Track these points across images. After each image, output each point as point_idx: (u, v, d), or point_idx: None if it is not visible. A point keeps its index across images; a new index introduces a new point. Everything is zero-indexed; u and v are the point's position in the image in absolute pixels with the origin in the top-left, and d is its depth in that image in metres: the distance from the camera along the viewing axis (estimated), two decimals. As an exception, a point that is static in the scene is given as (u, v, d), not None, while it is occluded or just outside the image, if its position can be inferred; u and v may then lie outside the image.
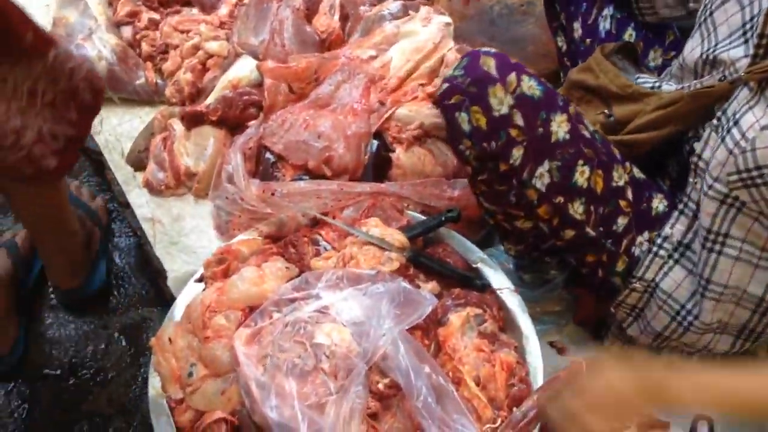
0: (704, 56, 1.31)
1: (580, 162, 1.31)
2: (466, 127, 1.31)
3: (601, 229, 1.33)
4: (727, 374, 0.97)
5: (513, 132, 1.28)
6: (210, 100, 1.83)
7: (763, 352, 1.45)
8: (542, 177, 1.30)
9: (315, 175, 1.72)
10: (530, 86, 1.28)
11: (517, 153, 1.29)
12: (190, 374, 1.38)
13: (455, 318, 1.49)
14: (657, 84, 1.47)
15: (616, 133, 1.45)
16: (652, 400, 0.97)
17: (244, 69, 1.84)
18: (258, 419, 1.27)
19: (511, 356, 1.44)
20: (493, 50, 1.31)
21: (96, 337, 1.69)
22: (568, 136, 1.29)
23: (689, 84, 1.39)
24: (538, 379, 1.39)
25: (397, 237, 1.56)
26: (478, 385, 1.39)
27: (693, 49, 1.35)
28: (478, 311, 1.49)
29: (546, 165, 1.30)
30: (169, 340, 1.44)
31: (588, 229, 1.34)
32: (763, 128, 1.14)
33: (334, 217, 1.66)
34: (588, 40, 1.70)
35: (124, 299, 1.77)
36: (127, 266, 1.83)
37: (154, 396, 1.38)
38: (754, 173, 1.14)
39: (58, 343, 1.68)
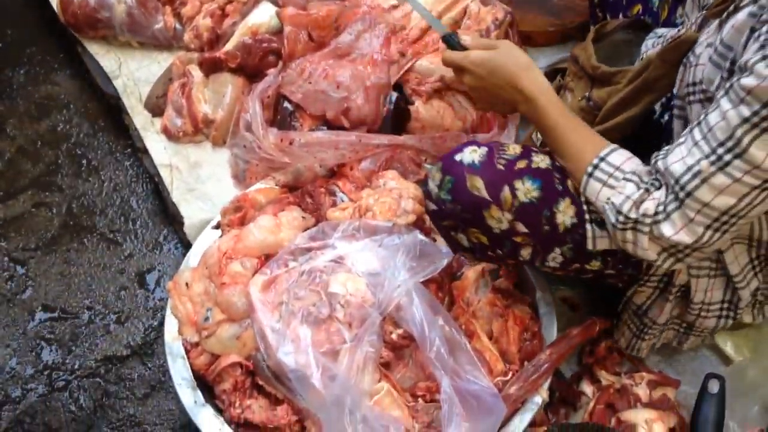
0: None
1: None
2: (465, 244, 1.27)
3: (621, 266, 1.29)
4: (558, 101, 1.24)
5: (518, 239, 1.22)
6: (229, 46, 1.80)
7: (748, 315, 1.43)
8: (555, 259, 1.25)
9: (333, 125, 1.71)
10: (527, 190, 1.19)
11: (526, 252, 1.24)
12: (206, 318, 1.40)
13: (470, 272, 1.49)
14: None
15: (595, 118, 1.38)
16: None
17: (263, 15, 1.81)
18: (272, 364, 1.29)
19: (525, 312, 1.45)
20: (477, 156, 1.20)
21: (113, 280, 1.71)
22: (575, 220, 1.20)
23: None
24: (551, 335, 1.40)
25: (413, 191, 1.55)
26: (490, 338, 1.40)
27: None
28: (493, 266, 1.49)
29: (557, 251, 1.24)
30: (186, 284, 1.46)
31: (608, 272, 1.30)
32: (708, 45, 1.13)
33: (351, 169, 1.66)
34: (619, -9, 1.66)
35: (140, 244, 1.78)
36: (144, 211, 1.84)
37: (170, 339, 1.40)
38: (690, 88, 1.15)
39: (74, 285, 1.70)
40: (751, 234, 1.24)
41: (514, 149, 1.25)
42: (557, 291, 1.59)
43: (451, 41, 1.42)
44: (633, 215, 1.10)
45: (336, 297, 1.33)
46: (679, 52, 1.22)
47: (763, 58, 0.95)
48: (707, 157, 1.02)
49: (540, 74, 1.29)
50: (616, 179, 1.15)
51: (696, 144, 1.04)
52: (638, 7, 1.64)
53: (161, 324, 1.61)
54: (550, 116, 1.24)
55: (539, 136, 1.67)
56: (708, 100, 1.11)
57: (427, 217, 1.51)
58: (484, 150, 1.22)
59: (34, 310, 1.65)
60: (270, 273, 1.41)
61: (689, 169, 1.04)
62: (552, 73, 1.75)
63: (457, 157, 1.22)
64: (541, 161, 1.24)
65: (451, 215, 1.24)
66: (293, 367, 1.25)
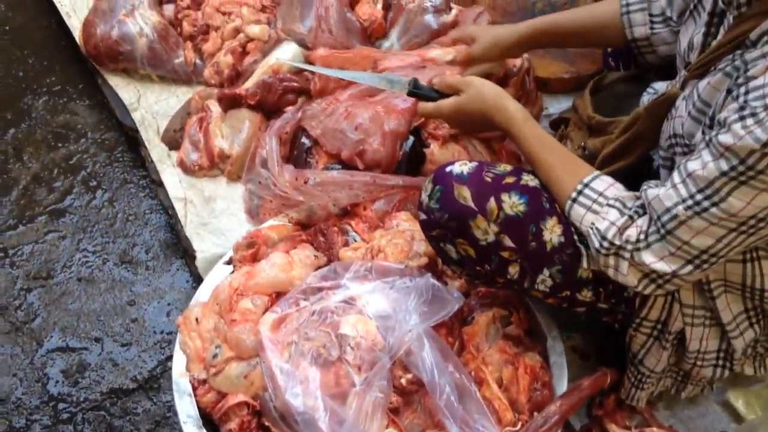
0: (690, 41, 1.28)
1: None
2: (454, 256, 1.29)
3: (614, 300, 1.30)
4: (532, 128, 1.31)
5: (505, 254, 1.24)
6: (249, 84, 1.83)
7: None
8: (544, 282, 1.27)
9: (348, 165, 1.72)
10: (513, 204, 1.22)
11: (513, 270, 1.26)
12: (215, 356, 1.39)
13: (481, 318, 1.48)
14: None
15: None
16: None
17: (285, 54, 1.84)
18: (280, 405, 1.28)
19: (535, 360, 1.44)
20: (466, 168, 1.24)
21: (122, 312, 1.71)
22: (563, 239, 1.23)
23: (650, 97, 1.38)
24: (561, 385, 1.39)
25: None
26: (500, 386, 1.39)
27: (684, 36, 1.32)
28: (505, 312, 1.49)
29: (546, 272, 1.25)
30: (196, 320, 1.46)
31: (600, 305, 1.31)
32: (684, 98, 1.19)
33: (365, 209, 1.66)
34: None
35: (151, 276, 1.78)
36: (156, 243, 1.85)
37: (178, 375, 1.40)
38: (672, 140, 1.21)
39: (84, 316, 1.70)
40: (743, 281, 1.24)
41: (505, 167, 1.30)
42: (568, 339, 1.59)
43: (419, 93, 1.48)
44: (617, 241, 1.15)
45: (346, 339, 1.33)
46: (665, 106, 1.27)
47: (741, 118, 1.00)
48: (684, 201, 1.08)
49: (511, 103, 1.36)
50: (599, 205, 1.19)
51: (674, 186, 1.09)
52: None
53: (168, 358, 1.61)
54: (529, 144, 1.31)
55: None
56: (691, 152, 1.14)
57: (440, 260, 1.52)
58: (474, 164, 1.28)
59: (42, 339, 1.65)
60: (280, 312, 1.42)
61: (668, 210, 1.09)
62: (559, 122, 1.77)
63: (448, 168, 1.27)
64: (530, 180, 1.28)
65: (439, 224, 1.26)
66: (301, 409, 1.24)
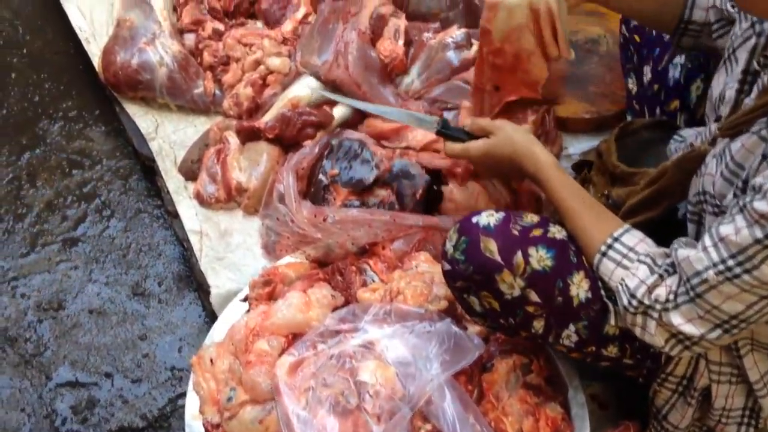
0: (722, 92, 1.27)
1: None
2: (477, 308, 1.28)
3: (639, 356, 1.29)
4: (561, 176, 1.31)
5: (530, 309, 1.22)
6: (268, 117, 1.82)
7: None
8: (569, 337, 1.25)
9: (366, 202, 1.71)
10: (540, 258, 1.20)
11: (538, 324, 1.25)
12: (229, 398, 1.37)
13: (501, 365, 1.46)
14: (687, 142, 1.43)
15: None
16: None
17: (304, 88, 1.83)
18: (297, 455, 1.26)
19: (557, 412, 1.41)
20: (493, 219, 1.22)
21: (133, 347, 1.69)
22: (590, 295, 1.21)
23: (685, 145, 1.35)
24: (583, 439, 1.36)
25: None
26: (521, 438, 1.36)
27: (718, 85, 1.31)
28: (525, 360, 1.47)
29: (572, 327, 1.24)
30: (211, 360, 1.44)
31: (625, 360, 1.30)
32: (715, 156, 1.17)
33: (383, 248, 1.64)
34: (656, 86, 1.67)
35: (164, 309, 1.76)
36: (169, 275, 1.83)
37: (191, 418, 1.37)
38: (701, 197, 1.19)
39: (95, 349, 1.67)
40: None
41: (531, 218, 1.28)
42: (587, 387, 1.55)
43: (448, 133, 1.47)
44: (646, 301, 1.13)
45: (365, 386, 1.30)
46: (694, 162, 1.25)
47: None
48: (715, 265, 1.05)
49: (541, 153, 1.35)
50: (629, 260, 1.17)
51: (705, 249, 1.07)
52: (676, 103, 1.65)
53: (180, 396, 1.59)
54: (558, 194, 1.30)
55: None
56: (722, 212, 1.13)
57: (459, 305, 1.49)
58: (500, 215, 1.25)
59: (51, 373, 1.62)
60: (298, 355, 1.39)
61: (698, 273, 1.07)
62: (582, 164, 1.75)
63: (474, 219, 1.25)
64: (557, 232, 1.26)
65: (464, 276, 1.24)
66: (319, 459, 1.22)
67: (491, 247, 1.20)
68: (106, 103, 2.12)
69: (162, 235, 1.91)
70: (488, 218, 1.24)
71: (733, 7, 1.36)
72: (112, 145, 2.10)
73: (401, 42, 1.93)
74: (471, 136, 1.46)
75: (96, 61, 2.06)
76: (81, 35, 2.14)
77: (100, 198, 1.99)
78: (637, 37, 1.71)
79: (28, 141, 2.10)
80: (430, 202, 1.74)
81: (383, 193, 1.74)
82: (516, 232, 1.22)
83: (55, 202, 1.98)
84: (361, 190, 1.73)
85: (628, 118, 1.82)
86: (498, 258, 1.20)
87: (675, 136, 1.50)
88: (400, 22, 1.95)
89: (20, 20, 2.36)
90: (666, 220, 1.37)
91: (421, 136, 1.80)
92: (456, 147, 1.47)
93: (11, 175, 2.02)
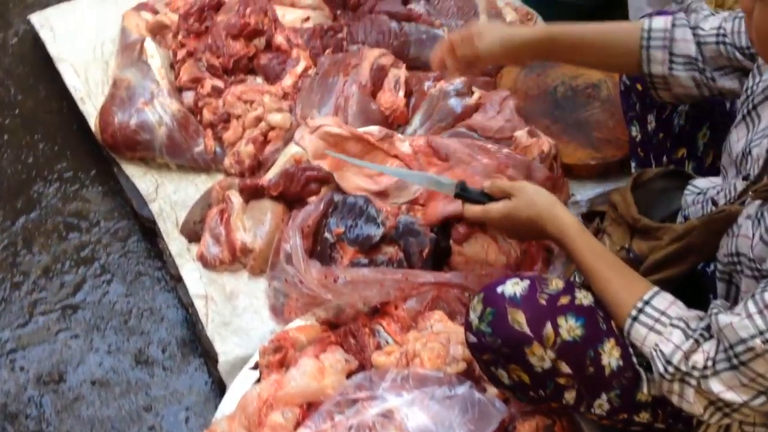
0: (746, 149, 1.25)
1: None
2: (506, 381, 1.24)
3: (671, 421, 1.25)
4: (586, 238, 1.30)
5: (561, 380, 1.19)
6: (271, 174, 1.79)
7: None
8: (601, 406, 1.22)
9: (373, 258, 1.68)
10: (570, 328, 1.17)
11: (570, 395, 1.22)
12: (245, 477, 1.31)
13: (524, 427, 1.41)
14: (704, 195, 1.42)
15: (636, 270, 1.37)
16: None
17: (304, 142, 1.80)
18: None
19: (583, 474, 1.37)
20: (519, 288, 1.19)
21: (138, 419, 1.63)
22: (621, 363, 1.19)
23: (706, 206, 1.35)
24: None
25: (462, 334, 1.50)
26: (548, 507, 1.32)
27: (738, 140, 1.29)
28: (548, 421, 1.42)
29: (604, 396, 1.21)
30: (224, 436, 1.38)
31: (657, 425, 1.26)
32: (748, 217, 1.14)
33: (396, 308, 1.61)
34: (661, 135, 1.67)
35: (168, 378, 1.71)
36: (173, 341, 1.79)
37: (205, 499, 1.32)
38: (734, 258, 1.16)
39: (98, 423, 1.62)
40: None
41: (557, 284, 1.24)
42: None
43: (466, 195, 1.45)
44: (683, 367, 1.10)
45: (388, 459, 1.26)
46: (724, 223, 1.23)
47: None
48: (762, 333, 1.02)
49: (566, 214, 1.33)
50: (662, 325, 1.15)
51: (750, 316, 1.04)
52: (683, 151, 1.64)
53: (189, 471, 1.53)
54: (584, 257, 1.27)
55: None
56: (763, 276, 1.10)
57: (477, 365, 1.45)
58: (526, 283, 1.22)
59: (52, 453, 1.57)
60: (314, 427, 1.35)
61: (743, 341, 1.04)
62: (592, 214, 1.73)
63: (499, 289, 1.21)
64: (584, 298, 1.23)
65: (491, 349, 1.21)
66: None
67: (519, 319, 1.17)
68: (103, 162, 2.09)
69: (164, 298, 1.87)
70: (514, 287, 1.20)
71: (745, 57, 1.35)
72: (109, 205, 2.06)
73: (402, 93, 1.92)
74: (490, 198, 1.44)
75: (92, 121, 2.03)
76: (76, 95, 2.11)
77: (98, 262, 1.94)
78: (639, 86, 1.70)
79: (23, 205, 2.05)
80: (439, 257, 1.72)
81: (391, 250, 1.71)
82: (543, 302, 1.18)
83: (52, 267, 1.93)
84: (369, 248, 1.70)
85: (632, 164, 1.81)
86: (527, 330, 1.16)
87: (690, 187, 1.48)
88: (401, 73, 1.94)
89: (12, 80, 2.33)
90: (688, 279, 1.35)
91: (418, 187, 1.77)
92: (475, 209, 1.43)
93: (6, 240, 1.98)
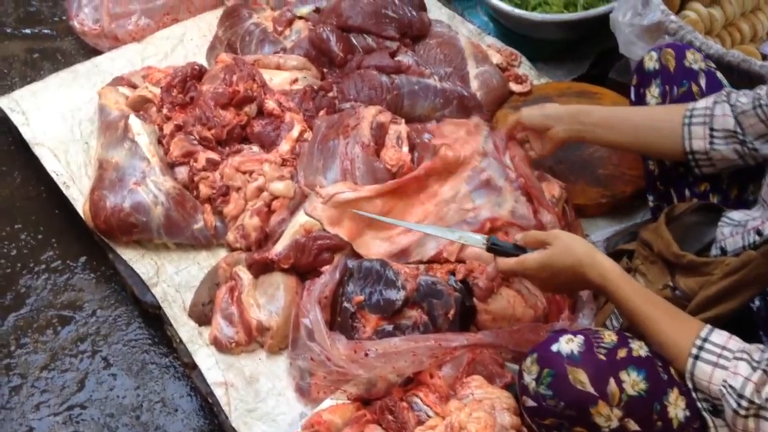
0: None
1: None
2: None
3: None
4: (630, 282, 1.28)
5: None
6: (280, 246, 1.74)
7: None
8: None
9: (399, 327, 1.63)
10: (633, 382, 1.16)
11: None
12: None
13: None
14: (742, 226, 1.42)
15: (684, 309, 1.37)
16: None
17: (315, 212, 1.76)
18: None
19: None
20: (575, 345, 1.17)
21: None
22: (688, 413, 1.18)
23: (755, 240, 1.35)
24: None
25: (506, 400, 1.47)
26: None
27: None
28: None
29: None
30: None
31: None
32: None
33: (431, 376, 1.56)
34: (681, 169, 1.67)
35: (193, 475, 1.63)
36: (191, 432, 1.70)
37: None
38: None
39: None
40: None
41: (610, 336, 1.23)
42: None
43: (499, 249, 1.43)
44: (756, 400, 1.09)
45: None
46: None
47: None
48: None
49: (605, 260, 1.33)
50: (726, 359, 1.14)
51: None
52: (706, 185, 1.65)
53: None
54: (629, 303, 1.26)
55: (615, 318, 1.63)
56: None
57: (524, 429, 1.42)
58: (580, 339, 1.20)
59: None
60: None
61: None
62: (618, 254, 1.73)
63: (554, 348, 1.19)
64: (640, 348, 1.22)
65: (554, 413, 1.18)
66: None
67: (581, 378, 1.15)
68: (92, 247, 2.01)
69: (175, 387, 1.79)
70: (569, 345, 1.18)
71: None
72: (103, 292, 1.98)
73: (405, 148, 1.90)
74: (523, 249, 1.42)
75: (78, 206, 1.96)
76: (58, 180, 2.03)
77: (100, 354, 1.86)
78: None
79: (11, 301, 1.96)
80: (464, 316, 1.68)
81: (414, 314, 1.67)
82: (603, 357, 1.17)
83: (51, 366, 1.83)
84: (392, 314, 1.66)
85: (650, 199, 1.82)
86: (591, 389, 1.14)
87: (725, 219, 1.49)
88: (401, 128, 1.93)
89: (-17, 168, 2.25)
90: (737, 317, 1.34)
91: (439, 242, 1.75)
92: (510, 262, 1.42)
93: (-2, 342, 1.88)
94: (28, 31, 2.64)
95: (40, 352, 1.86)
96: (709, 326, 1.19)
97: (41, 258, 2.05)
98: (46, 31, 2.64)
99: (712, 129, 1.49)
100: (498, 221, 1.72)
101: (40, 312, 1.94)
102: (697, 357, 1.16)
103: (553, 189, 1.87)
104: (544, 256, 1.37)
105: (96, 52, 2.49)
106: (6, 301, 1.96)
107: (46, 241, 2.08)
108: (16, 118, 2.16)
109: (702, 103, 1.51)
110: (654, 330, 1.22)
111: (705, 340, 1.17)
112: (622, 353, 1.19)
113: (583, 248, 1.34)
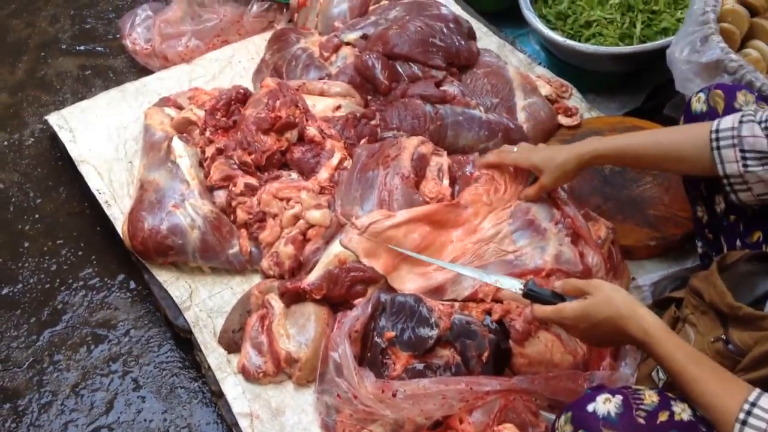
0: None
1: None
2: None
3: None
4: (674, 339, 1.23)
5: None
6: (313, 276, 1.73)
7: None
8: None
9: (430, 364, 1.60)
10: None
11: None
12: None
13: None
14: None
15: (737, 364, 1.31)
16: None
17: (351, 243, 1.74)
18: None
19: None
20: (612, 406, 1.13)
21: None
22: None
23: None
24: None
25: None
26: None
27: None
28: None
29: None
30: None
31: None
32: None
33: (461, 421, 1.52)
34: (732, 217, 1.60)
35: (214, 506, 1.62)
36: (216, 463, 1.69)
37: None
38: None
39: None
40: None
41: (650, 397, 1.17)
42: None
43: (536, 295, 1.39)
44: None
45: None
46: None
47: None
48: None
49: (648, 314, 1.27)
50: None
51: None
52: (759, 234, 1.58)
53: None
54: (673, 361, 1.21)
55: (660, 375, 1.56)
56: None
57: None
58: (618, 399, 1.15)
59: None
60: None
61: None
62: (665, 301, 1.66)
63: (590, 408, 1.14)
64: (682, 411, 1.16)
65: None
66: None
67: None
68: (129, 265, 2.03)
69: (203, 414, 1.79)
70: (606, 405, 1.13)
71: None
72: (138, 312, 2.00)
73: (446, 181, 1.87)
74: (561, 297, 1.37)
75: (118, 225, 1.98)
76: (100, 198, 2.06)
77: (131, 375, 1.87)
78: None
79: (47, 317, 1.99)
80: (499, 359, 1.64)
81: (447, 353, 1.63)
82: (642, 420, 1.11)
83: (81, 384, 1.85)
84: (423, 352, 1.63)
85: (699, 245, 1.75)
86: None
87: None
88: (443, 160, 1.90)
89: (30, 183, 2.29)
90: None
91: (476, 281, 1.71)
92: (546, 310, 1.37)
93: (32, 358, 1.90)
94: (82, 48, 2.70)
95: (72, 370, 1.88)
96: (758, 390, 1.13)
97: (80, 275, 2.08)
98: (99, 48, 2.70)
99: (742, 151, 1.41)
100: (542, 271, 1.67)
101: (75, 329, 1.97)
102: (744, 422, 1.10)
103: (599, 229, 1.82)
104: (582, 306, 1.32)
105: (147, 71, 2.54)
106: (43, 316, 1.99)
107: (86, 257, 2.12)
108: (63, 135, 2.21)
109: (727, 123, 1.43)
110: (699, 391, 1.16)
111: (753, 404, 1.10)
112: (663, 417, 1.13)
113: (624, 300, 1.29)
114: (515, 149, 1.81)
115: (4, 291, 2.04)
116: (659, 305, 1.69)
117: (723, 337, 1.40)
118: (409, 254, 1.68)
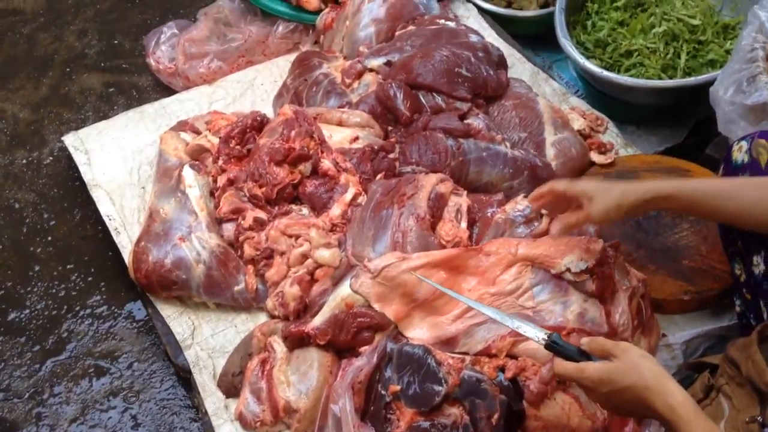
0: None
1: None
2: None
3: None
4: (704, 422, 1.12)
5: None
6: (319, 320, 1.66)
7: None
8: None
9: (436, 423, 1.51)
10: None
11: None
12: None
13: None
14: None
15: None
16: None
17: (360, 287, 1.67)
18: None
19: None
20: None
21: None
22: None
23: None
24: None
25: None
26: None
27: None
28: None
29: None
30: None
31: None
32: None
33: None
34: (774, 280, 1.47)
35: None
36: None
37: None
38: None
39: None
40: None
41: None
42: None
43: (559, 349, 1.28)
44: None
45: None
46: None
47: None
48: None
49: (678, 390, 1.16)
50: None
51: None
52: None
53: None
54: None
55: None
56: None
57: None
58: None
59: None
60: None
61: None
62: (699, 365, 1.54)
63: None
64: None
65: None
66: None
67: None
68: (137, 296, 2.00)
69: (199, 458, 1.74)
70: None
71: None
72: (143, 344, 1.96)
73: (464, 224, 1.78)
74: (587, 356, 1.27)
75: (126, 253, 1.95)
76: (110, 225, 2.03)
77: (130, 412, 1.83)
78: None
79: (51, 346, 1.97)
80: (511, 421, 1.54)
81: (455, 412, 1.54)
82: None
83: (80, 419, 1.83)
84: (430, 410, 1.54)
85: (737, 303, 1.63)
86: None
87: None
88: (462, 201, 1.81)
89: (46, 203, 2.28)
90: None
91: (490, 334, 1.62)
92: (568, 367, 1.26)
93: (33, 389, 1.88)
94: (107, 64, 2.69)
95: (72, 404, 1.85)
96: None
97: (87, 302, 2.05)
98: (125, 65, 2.69)
99: None
100: (562, 330, 1.57)
101: (78, 360, 1.94)
102: None
103: (630, 280, 1.70)
104: (607, 369, 1.21)
105: (170, 90, 2.52)
106: (48, 344, 1.97)
107: (94, 284, 2.09)
108: (78, 158, 2.19)
109: None
110: None
111: None
112: None
113: (652, 370, 1.18)
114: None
115: (11, 316, 2.03)
116: (691, 368, 1.57)
117: (759, 418, 1.29)
118: (433, 284, 1.57)
